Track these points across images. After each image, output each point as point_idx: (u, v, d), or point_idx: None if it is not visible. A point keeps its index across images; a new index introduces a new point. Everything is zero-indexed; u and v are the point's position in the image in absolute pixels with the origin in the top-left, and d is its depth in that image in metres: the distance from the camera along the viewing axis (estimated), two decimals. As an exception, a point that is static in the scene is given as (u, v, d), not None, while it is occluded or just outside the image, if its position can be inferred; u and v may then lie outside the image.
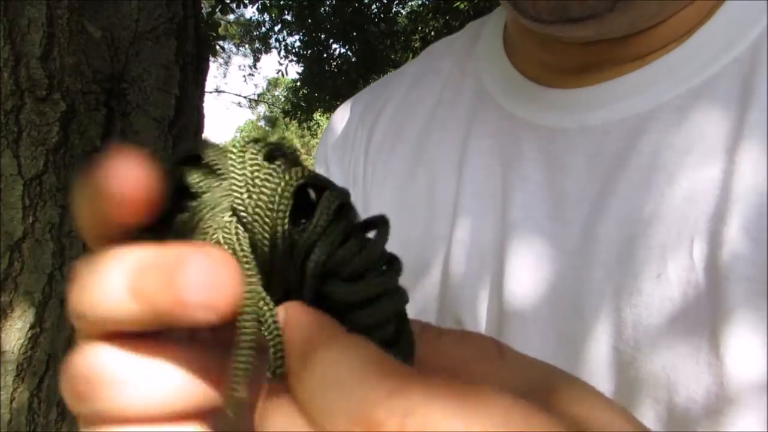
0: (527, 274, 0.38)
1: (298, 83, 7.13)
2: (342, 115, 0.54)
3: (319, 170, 0.53)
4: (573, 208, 0.37)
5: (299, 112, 7.50)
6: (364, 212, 0.48)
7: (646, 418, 0.34)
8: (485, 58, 0.46)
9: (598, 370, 0.36)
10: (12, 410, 1.01)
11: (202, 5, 1.79)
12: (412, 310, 0.45)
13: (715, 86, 0.34)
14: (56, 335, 1.04)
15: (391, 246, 0.41)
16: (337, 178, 0.50)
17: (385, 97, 0.51)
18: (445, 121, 0.45)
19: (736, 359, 0.31)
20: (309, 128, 8.09)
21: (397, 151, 0.47)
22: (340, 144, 0.52)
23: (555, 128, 0.39)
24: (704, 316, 0.32)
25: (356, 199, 0.49)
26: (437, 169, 0.44)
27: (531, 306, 0.38)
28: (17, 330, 1.01)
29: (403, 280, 0.42)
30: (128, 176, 0.16)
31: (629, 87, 0.37)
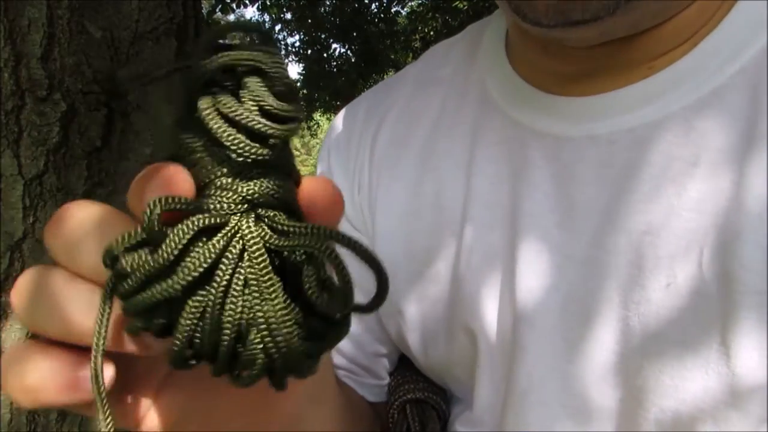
0: (536, 282, 0.38)
1: (298, 83, 7.13)
2: (343, 120, 0.53)
3: (321, 173, 0.52)
4: (582, 218, 0.37)
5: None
6: (371, 219, 0.47)
7: (652, 425, 0.34)
8: (488, 65, 0.45)
9: (605, 377, 0.36)
10: (12, 410, 1.01)
11: (202, 5, 1.79)
12: (419, 316, 0.45)
13: (723, 96, 0.34)
14: (56, 335, 1.04)
15: (399, 253, 0.43)
16: (341, 184, 0.49)
17: (387, 103, 0.50)
18: (450, 129, 0.45)
19: (746, 370, 0.31)
20: (309, 128, 8.08)
21: (403, 158, 0.46)
22: (343, 150, 0.51)
23: (562, 137, 0.39)
24: (713, 327, 0.32)
25: (363, 206, 0.48)
26: (444, 176, 0.44)
27: (540, 313, 0.38)
28: (17, 330, 1.01)
29: (411, 288, 0.43)
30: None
31: (637, 96, 0.36)
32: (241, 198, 0.20)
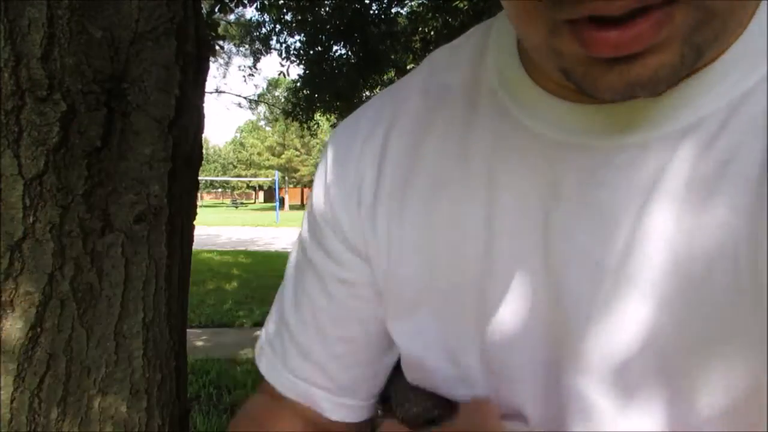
0: (572, 292, 0.38)
1: (298, 84, 7.12)
2: (343, 136, 0.50)
3: (318, 190, 0.50)
4: (613, 224, 0.36)
5: (299, 112, 7.49)
6: (388, 233, 0.46)
7: (703, 423, 0.35)
8: (500, 73, 0.43)
9: (645, 383, 0.36)
10: (12, 410, 1.01)
11: (202, 5, 1.79)
12: (437, 341, 0.44)
13: (752, 98, 0.34)
14: (56, 335, 1.04)
15: (418, 272, 0.46)
16: (339, 200, 0.48)
17: (392, 115, 0.48)
18: (463, 144, 0.43)
19: None
20: (309, 128, 8.08)
21: (414, 177, 0.45)
22: (341, 165, 0.49)
23: (590, 146, 0.38)
24: (751, 325, 0.33)
25: (365, 226, 0.46)
26: (461, 194, 0.42)
27: (577, 324, 0.38)
28: (17, 330, 1.01)
29: (427, 310, 0.44)
30: None
31: (669, 104, 0.36)
32: None
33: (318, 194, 0.50)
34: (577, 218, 0.37)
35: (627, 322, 0.36)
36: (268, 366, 0.53)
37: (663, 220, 0.35)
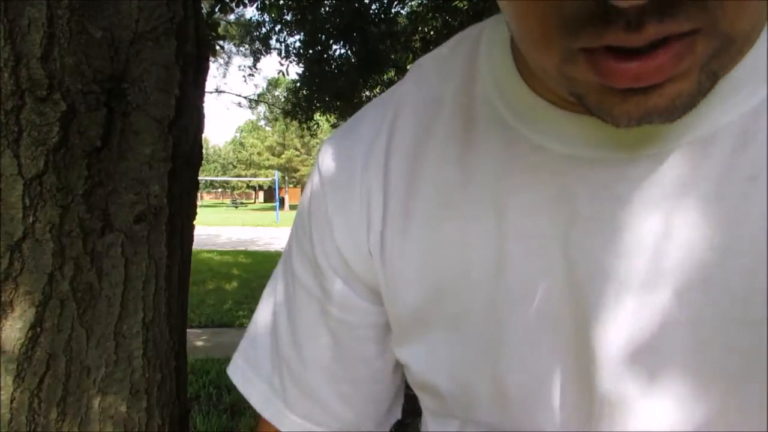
0: (595, 317, 0.36)
1: (298, 84, 7.12)
2: (338, 155, 0.47)
3: (317, 218, 0.47)
4: (635, 241, 0.35)
5: (299, 112, 7.49)
6: (389, 264, 0.44)
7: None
8: (495, 82, 0.41)
9: (684, 401, 0.35)
10: (12, 410, 1.01)
11: (202, 5, 1.78)
12: (446, 361, 0.43)
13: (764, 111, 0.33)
14: (56, 335, 1.04)
15: (424, 291, 0.45)
16: (342, 226, 0.46)
17: (388, 132, 0.45)
18: (465, 159, 0.41)
19: None
20: (309, 129, 8.08)
21: (418, 197, 0.42)
22: (343, 190, 0.46)
23: (597, 159, 0.36)
24: None
25: (373, 251, 0.44)
26: (467, 211, 0.40)
27: (602, 349, 0.36)
28: (17, 330, 1.01)
29: (438, 331, 0.42)
30: None
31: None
32: None
33: (318, 223, 0.47)
34: (595, 235, 0.36)
35: (657, 334, 0.35)
36: (266, 404, 0.52)
37: (685, 232, 0.34)
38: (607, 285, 0.36)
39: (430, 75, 0.46)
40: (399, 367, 0.50)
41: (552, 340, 0.38)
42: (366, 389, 0.50)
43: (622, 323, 0.36)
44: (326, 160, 0.47)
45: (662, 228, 0.34)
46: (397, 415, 0.54)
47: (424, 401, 0.48)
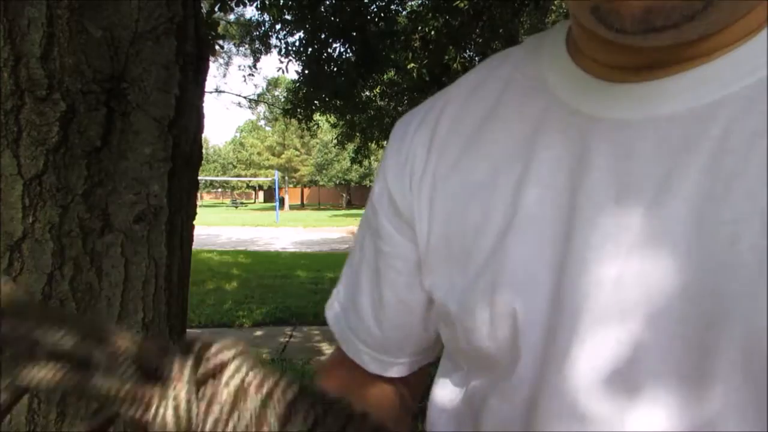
0: (591, 254, 0.39)
1: (298, 84, 7.11)
2: (403, 121, 0.57)
3: (380, 171, 0.58)
4: (638, 191, 0.39)
5: (299, 112, 7.49)
6: (426, 203, 0.51)
7: (725, 381, 0.35)
8: (548, 64, 0.48)
9: (668, 345, 0.36)
10: (12, 410, 1.01)
11: (202, 5, 1.78)
12: (462, 291, 0.47)
13: None
14: (56, 335, 1.04)
15: (453, 233, 0.46)
16: (392, 169, 0.54)
17: (445, 100, 0.53)
18: (506, 119, 0.48)
19: None
20: (309, 128, 8.07)
21: (458, 145, 0.50)
22: (398, 140, 0.55)
23: (622, 120, 0.41)
24: None
25: (414, 190, 0.53)
26: (499, 162, 0.46)
27: (595, 284, 0.39)
28: (17, 330, 1.01)
29: (455, 261, 0.47)
30: None
31: (697, 79, 0.39)
32: None
33: (379, 175, 0.57)
34: (605, 185, 0.40)
35: (648, 283, 0.37)
36: (334, 318, 0.61)
37: (688, 187, 0.37)
38: (608, 229, 0.39)
39: (495, 61, 0.54)
40: (430, 307, 0.55)
41: (541, 272, 0.42)
42: (397, 318, 0.56)
43: (610, 267, 0.38)
44: (396, 126, 0.58)
45: (666, 182, 0.37)
46: (430, 358, 0.61)
47: (442, 334, 0.53)
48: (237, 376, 0.28)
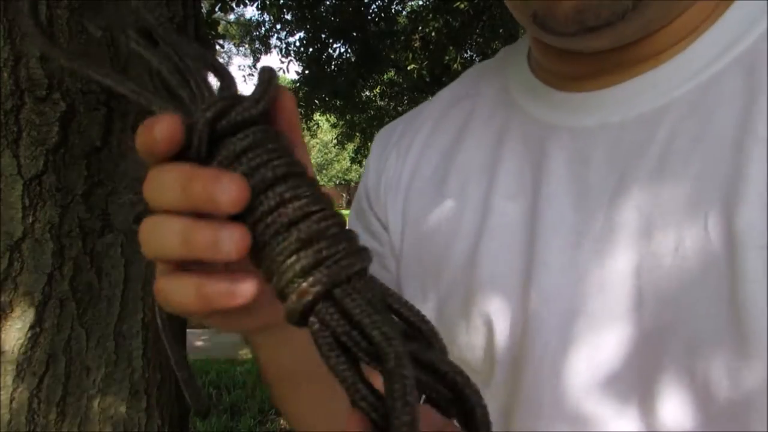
0: (554, 260, 0.41)
1: (298, 84, 7.12)
2: (383, 133, 0.59)
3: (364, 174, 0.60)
4: (595, 198, 0.40)
5: (299, 112, 7.48)
6: (403, 212, 0.52)
7: (673, 385, 0.36)
8: (512, 74, 0.51)
9: (623, 347, 0.38)
10: (12, 410, 1.01)
11: (202, 4, 1.78)
12: (438, 303, 0.48)
13: (721, 81, 0.38)
14: (56, 335, 1.04)
15: (420, 245, 0.50)
16: (371, 185, 0.56)
17: (424, 116, 0.55)
18: (477, 132, 0.50)
19: (757, 320, 0.33)
20: (308, 129, 8.08)
21: (433, 158, 0.51)
22: (380, 149, 0.57)
23: (577, 127, 0.42)
24: (723, 284, 0.34)
25: (386, 193, 0.54)
26: (469, 173, 0.48)
27: (556, 289, 0.40)
28: (17, 330, 1.01)
29: (427, 274, 0.49)
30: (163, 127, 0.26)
31: (645, 85, 0.40)
32: None
33: (363, 176, 0.60)
34: (563, 192, 0.41)
35: (605, 289, 0.38)
36: None
37: (637, 192, 0.38)
38: (566, 236, 0.40)
39: (471, 77, 0.56)
40: None
41: (511, 289, 0.43)
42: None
43: (570, 273, 0.40)
44: (380, 133, 0.60)
45: (618, 188, 0.39)
46: None
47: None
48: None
